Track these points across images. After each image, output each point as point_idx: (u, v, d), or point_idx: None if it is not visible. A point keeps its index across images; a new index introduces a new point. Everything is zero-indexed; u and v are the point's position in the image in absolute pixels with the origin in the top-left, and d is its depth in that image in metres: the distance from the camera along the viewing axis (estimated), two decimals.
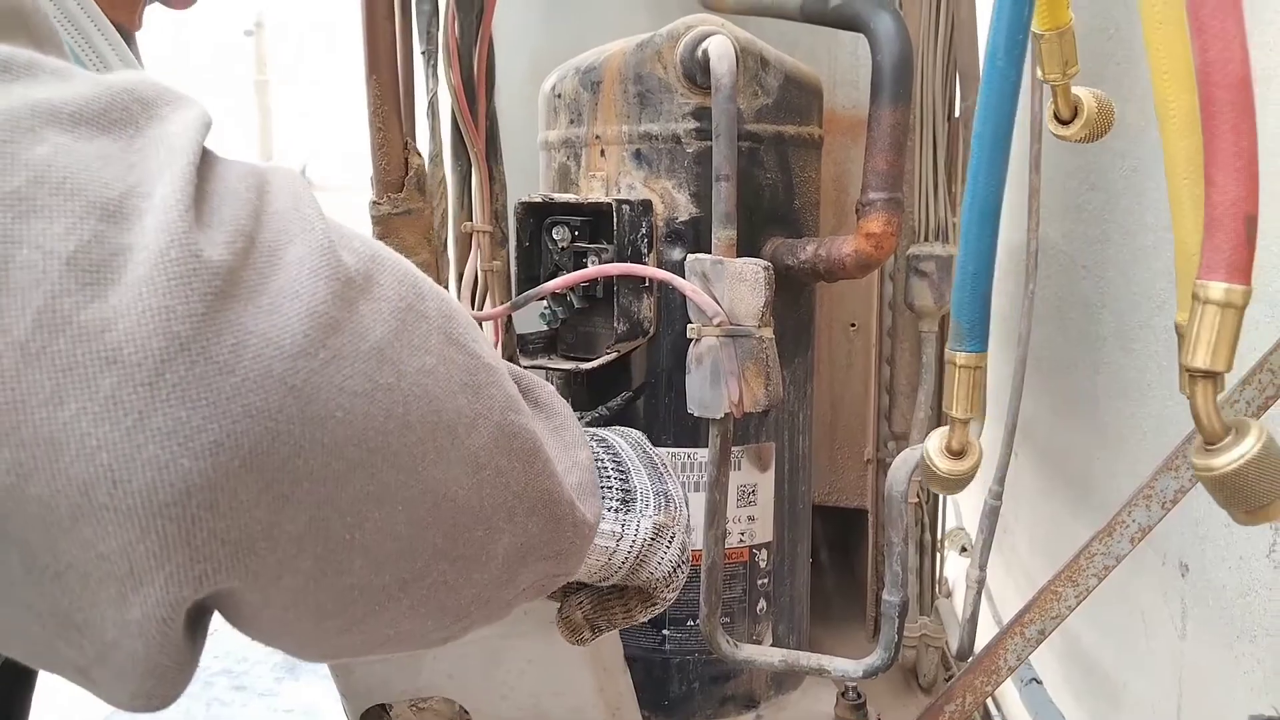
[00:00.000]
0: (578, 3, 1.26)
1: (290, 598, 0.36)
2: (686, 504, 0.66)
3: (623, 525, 0.59)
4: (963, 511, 1.76)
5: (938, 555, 1.20)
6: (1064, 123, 0.63)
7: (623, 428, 0.68)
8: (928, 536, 1.14)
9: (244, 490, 0.33)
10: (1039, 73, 0.62)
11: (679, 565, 0.63)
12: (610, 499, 0.60)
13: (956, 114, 1.05)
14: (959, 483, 0.70)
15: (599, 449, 0.64)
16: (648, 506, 0.61)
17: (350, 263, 0.36)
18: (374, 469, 0.37)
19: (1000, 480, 1.04)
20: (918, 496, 1.09)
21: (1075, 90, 0.64)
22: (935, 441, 0.70)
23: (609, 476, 0.62)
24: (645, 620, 0.66)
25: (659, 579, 0.62)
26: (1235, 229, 0.42)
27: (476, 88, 0.97)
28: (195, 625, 0.36)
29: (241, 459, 0.33)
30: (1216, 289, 0.42)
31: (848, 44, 1.21)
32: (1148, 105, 0.85)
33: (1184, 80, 0.49)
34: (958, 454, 0.69)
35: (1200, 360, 0.42)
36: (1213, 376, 0.43)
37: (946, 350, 0.67)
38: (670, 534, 0.61)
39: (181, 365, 0.32)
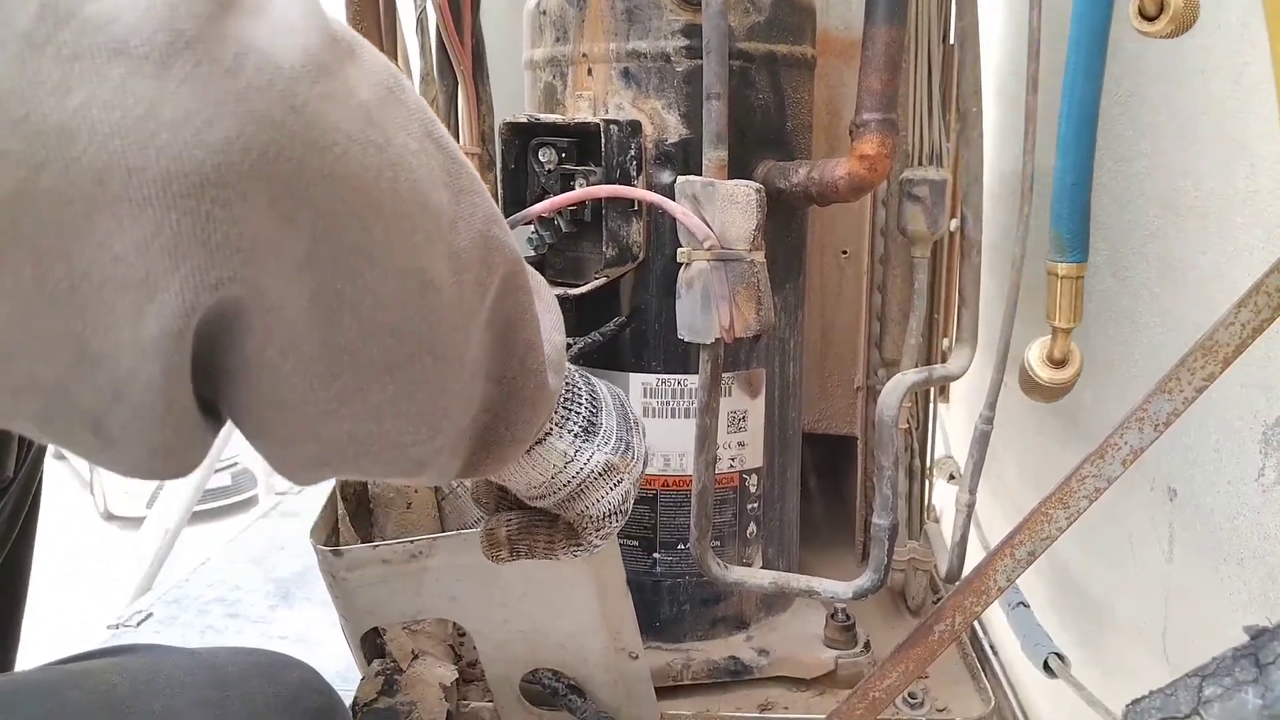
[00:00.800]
0: None
1: (287, 337, 0.37)
2: (645, 462, 0.67)
3: (576, 451, 0.61)
4: (951, 441, 1.77)
5: (927, 481, 1.20)
6: (1149, 19, 0.61)
7: (608, 383, 0.68)
8: (917, 462, 1.15)
9: (253, 196, 0.33)
10: None
11: (615, 512, 0.63)
12: (574, 424, 0.61)
13: (952, 39, 1.02)
14: (1061, 390, 0.74)
15: (580, 380, 0.64)
16: (606, 444, 0.62)
17: (338, 29, 0.37)
18: (367, 223, 0.37)
19: (991, 405, 1.03)
20: (908, 423, 1.10)
21: None
22: (1036, 351, 0.74)
23: (580, 403, 0.63)
24: (562, 558, 0.67)
25: (592, 517, 0.63)
26: None
27: (462, 6, 0.94)
28: (207, 413, 0.38)
29: (250, 163, 0.33)
30: None
31: None
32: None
33: None
34: (1060, 363, 0.73)
35: None
36: None
37: (1047, 263, 0.69)
38: (618, 478, 0.62)
39: (188, 61, 0.32)
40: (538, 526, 0.67)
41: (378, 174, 0.38)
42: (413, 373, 0.42)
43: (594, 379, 0.67)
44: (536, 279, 0.54)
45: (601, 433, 0.63)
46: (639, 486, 0.66)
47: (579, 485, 0.62)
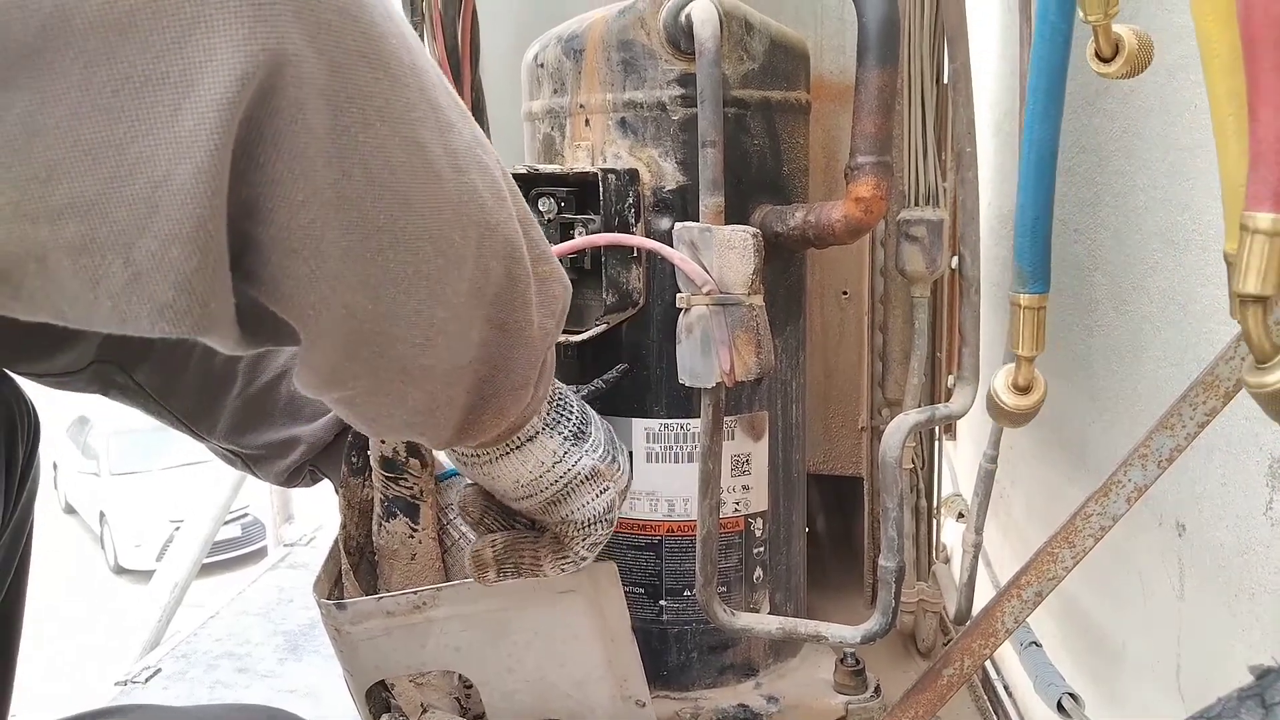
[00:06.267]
0: None
1: (305, 164, 0.40)
2: (629, 481, 0.70)
3: (565, 452, 0.64)
4: (959, 479, 1.76)
5: (934, 521, 1.20)
6: (1105, 60, 0.65)
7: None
8: (923, 502, 1.14)
9: (284, 9, 0.37)
10: (1080, 14, 0.63)
11: (600, 519, 0.66)
12: (565, 427, 0.64)
13: (945, 78, 1.04)
14: (1025, 416, 0.78)
15: (570, 394, 0.67)
16: (595, 452, 0.65)
17: None
18: (377, 75, 0.42)
19: (995, 444, 1.03)
20: (913, 462, 1.09)
21: (1114, 27, 0.65)
22: (1001, 379, 0.77)
23: (571, 411, 0.66)
24: (551, 574, 0.69)
25: (576, 523, 0.66)
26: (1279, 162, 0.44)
27: (461, 59, 0.96)
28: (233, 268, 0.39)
29: None
30: (1264, 219, 0.44)
31: (834, 8, 1.19)
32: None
33: (1225, 18, 0.50)
34: (1024, 389, 0.77)
35: (1251, 287, 0.45)
36: (1263, 301, 0.46)
37: (1009, 293, 0.74)
38: (604, 485, 0.65)
39: None
40: (523, 543, 0.69)
41: (397, 44, 0.43)
42: (414, 253, 0.45)
43: (585, 404, 0.70)
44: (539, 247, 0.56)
45: (590, 441, 0.66)
46: (623, 496, 0.69)
47: (565, 486, 0.65)
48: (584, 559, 0.68)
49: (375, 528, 0.88)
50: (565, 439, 0.65)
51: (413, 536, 0.86)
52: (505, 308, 0.52)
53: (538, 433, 0.63)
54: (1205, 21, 0.52)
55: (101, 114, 0.35)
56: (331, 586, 0.88)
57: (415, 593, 0.81)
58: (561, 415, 0.66)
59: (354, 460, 0.88)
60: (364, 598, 0.83)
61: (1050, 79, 0.62)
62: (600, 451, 0.67)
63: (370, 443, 0.86)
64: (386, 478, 0.85)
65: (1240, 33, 0.44)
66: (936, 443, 1.21)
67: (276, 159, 0.39)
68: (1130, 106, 1.03)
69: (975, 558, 0.92)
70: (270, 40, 0.37)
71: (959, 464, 1.79)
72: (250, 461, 0.96)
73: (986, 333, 0.99)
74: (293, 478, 0.96)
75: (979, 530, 0.92)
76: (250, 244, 0.41)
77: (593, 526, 0.66)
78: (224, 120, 0.36)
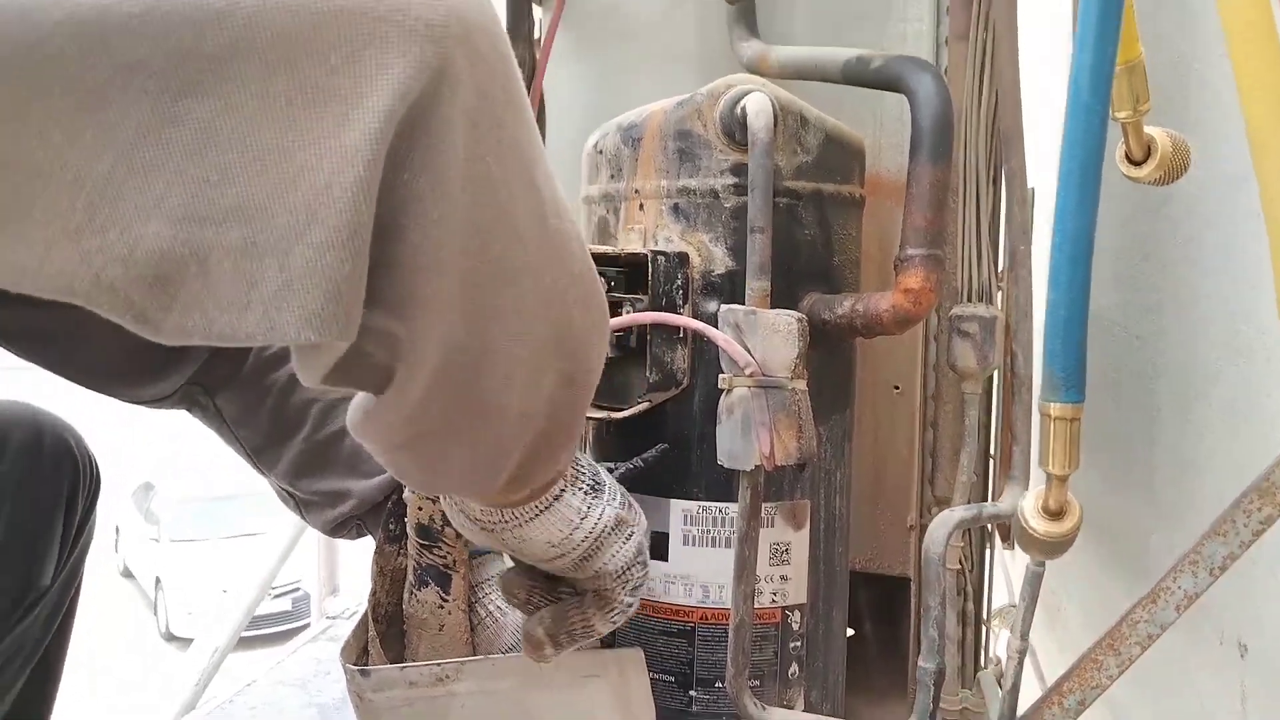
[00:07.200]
0: (630, 65, 1.29)
1: (446, 185, 0.41)
2: (644, 518, 0.71)
3: (589, 507, 0.64)
4: (1015, 591, 1.70)
5: (983, 628, 1.15)
6: (1136, 164, 0.61)
7: None
8: (971, 606, 1.11)
9: (456, 46, 0.40)
10: (1112, 111, 0.60)
11: (634, 563, 0.68)
12: (583, 481, 0.65)
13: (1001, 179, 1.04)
14: (1059, 546, 0.67)
15: (580, 456, 0.69)
16: (614, 500, 0.66)
17: None
18: (504, 119, 0.44)
19: None
20: (960, 563, 1.06)
21: (1148, 129, 0.62)
22: (1030, 502, 0.66)
23: (583, 464, 0.68)
24: (606, 630, 0.70)
25: (612, 573, 0.66)
26: None
27: None
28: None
29: (464, 26, 0.40)
30: None
31: (893, 109, 1.21)
32: (1199, 169, 0.83)
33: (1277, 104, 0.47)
34: (1056, 514, 0.65)
35: None
36: None
37: (1039, 402, 0.64)
38: (629, 531, 0.66)
39: None
40: (569, 609, 0.70)
41: (521, 86, 0.46)
42: (515, 287, 0.47)
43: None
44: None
45: (608, 489, 0.68)
46: (647, 534, 0.70)
47: (595, 541, 0.66)
48: (630, 605, 0.69)
49: (407, 596, 0.87)
50: (585, 493, 0.66)
51: (443, 607, 0.86)
52: (576, 358, 0.53)
53: (563, 490, 0.64)
54: (1257, 116, 0.50)
55: (274, 122, 0.36)
56: (360, 653, 0.87)
57: (439, 665, 0.81)
58: (578, 470, 0.67)
59: (391, 527, 0.89)
60: (388, 666, 0.83)
61: (1084, 166, 0.57)
62: (619, 499, 0.68)
63: (408, 510, 0.86)
64: (421, 545, 0.85)
65: None
66: (988, 546, 1.18)
67: (422, 174, 0.41)
68: (1194, 215, 1.02)
69: (1020, 664, 0.88)
70: (436, 60, 0.39)
71: (1016, 575, 1.73)
72: (302, 505, 0.98)
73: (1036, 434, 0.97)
74: (339, 529, 0.97)
75: (1024, 636, 0.88)
76: (380, 260, 0.41)
77: (629, 572, 0.67)
78: (384, 133, 0.38)
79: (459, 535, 0.86)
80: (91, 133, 0.35)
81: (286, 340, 0.38)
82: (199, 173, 0.36)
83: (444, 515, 0.85)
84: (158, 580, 8.84)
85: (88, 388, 0.88)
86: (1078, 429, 0.64)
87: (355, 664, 0.83)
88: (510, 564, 0.80)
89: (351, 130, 0.37)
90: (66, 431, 1.03)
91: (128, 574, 9.77)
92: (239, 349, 0.94)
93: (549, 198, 0.48)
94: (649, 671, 0.85)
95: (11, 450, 0.97)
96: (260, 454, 0.97)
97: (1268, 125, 0.49)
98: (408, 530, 0.86)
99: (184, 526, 9.05)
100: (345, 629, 1.76)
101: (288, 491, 0.98)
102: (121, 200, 0.36)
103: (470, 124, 0.42)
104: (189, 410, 0.97)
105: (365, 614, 0.88)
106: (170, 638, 8.11)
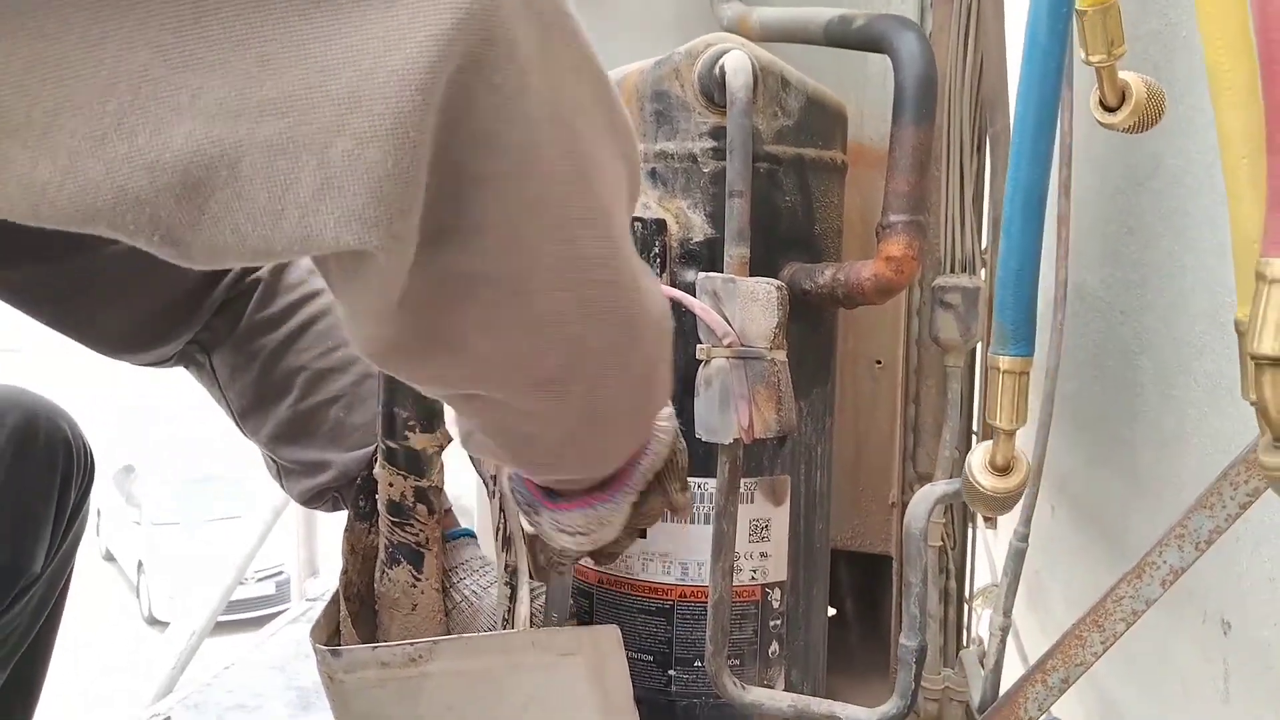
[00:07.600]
0: (609, 32, 1.26)
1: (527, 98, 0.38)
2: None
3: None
4: (998, 570, 1.70)
5: (965, 606, 1.14)
6: (1110, 110, 0.59)
7: None
8: (953, 584, 1.09)
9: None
10: (1082, 55, 0.57)
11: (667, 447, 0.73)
12: None
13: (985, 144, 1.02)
14: (1004, 502, 0.67)
15: None
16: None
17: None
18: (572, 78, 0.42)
19: (1026, 521, 0.98)
20: (942, 540, 1.04)
21: (1122, 75, 0.60)
22: (979, 456, 0.66)
23: None
24: (682, 500, 0.77)
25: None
26: None
27: None
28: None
29: None
30: None
31: (876, 77, 1.19)
32: (1185, 140, 0.81)
33: (1240, 47, 0.45)
34: (1003, 470, 0.65)
35: (1269, 346, 0.38)
36: None
37: (989, 354, 0.63)
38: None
39: None
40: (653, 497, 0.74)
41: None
42: (600, 281, 0.45)
43: None
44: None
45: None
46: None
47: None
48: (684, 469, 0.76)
49: (378, 575, 0.85)
50: None
51: (415, 586, 0.84)
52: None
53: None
54: (1216, 51, 0.47)
55: (318, 5, 0.33)
56: (331, 633, 0.85)
57: (412, 644, 0.79)
58: None
59: (361, 504, 0.86)
60: (359, 646, 0.81)
61: (1039, 112, 0.54)
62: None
63: (379, 487, 0.84)
64: (393, 523, 0.83)
65: (1259, 56, 0.39)
66: (970, 524, 1.16)
67: (507, 66, 0.37)
68: (1179, 186, 1.01)
69: (1002, 642, 0.87)
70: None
71: (999, 556, 1.73)
72: (283, 472, 0.97)
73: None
74: (315, 499, 0.96)
75: (1007, 613, 0.87)
76: (468, 181, 0.38)
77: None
78: (451, 18, 0.34)
79: (430, 513, 0.83)
80: (128, 24, 0.32)
81: (324, 248, 0.35)
82: (240, 64, 0.33)
83: (415, 492, 0.83)
84: (140, 564, 8.81)
85: (97, 350, 0.89)
86: (1026, 382, 0.62)
87: (326, 644, 0.81)
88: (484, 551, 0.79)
89: (401, 10, 0.33)
90: (61, 417, 1.00)
91: (110, 557, 9.72)
92: (238, 305, 0.93)
93: (607, 125, 0.45)
94: (627, 651, 0.83)
95: (4, 435, 0.95)
96: (245, 417, 0.95)
97: (1225, 60, 0.46)
98: (379, 508, 0.84)
99: (165, 510, 9.01)
100: None
101: (270, 458, 0.97)
102: (155, 100, 0.33)
103: (529, 59, 0.38)
104: (186, 368, 0.97)
105: (336, 593, 0.86)
106: (153, 621, 8.09)
